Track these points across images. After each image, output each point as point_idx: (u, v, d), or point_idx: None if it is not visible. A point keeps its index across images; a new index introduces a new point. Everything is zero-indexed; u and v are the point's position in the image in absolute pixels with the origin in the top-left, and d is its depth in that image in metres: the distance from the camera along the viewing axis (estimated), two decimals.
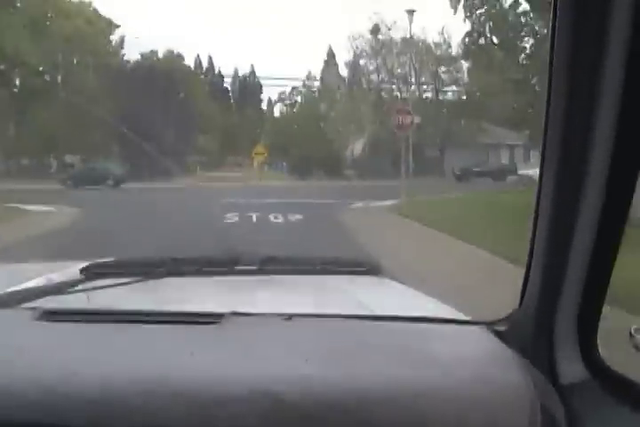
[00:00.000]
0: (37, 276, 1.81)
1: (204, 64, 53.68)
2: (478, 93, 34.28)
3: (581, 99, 1.04)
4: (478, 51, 22.16)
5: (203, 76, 52.29)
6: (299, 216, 16.07)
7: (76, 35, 36.31)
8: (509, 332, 1.35)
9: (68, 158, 38.81)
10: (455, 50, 35.76)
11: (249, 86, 56.91)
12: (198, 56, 50.93)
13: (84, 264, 1.78)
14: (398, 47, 37.90)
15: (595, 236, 1.11)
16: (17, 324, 1.37)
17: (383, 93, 39.49)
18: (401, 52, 37.92)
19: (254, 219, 15.77)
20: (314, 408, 1.06)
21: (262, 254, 1.86)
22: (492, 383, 1.13)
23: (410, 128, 20.99)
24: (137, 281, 1.70)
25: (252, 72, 57.16)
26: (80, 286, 1.66)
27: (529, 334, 1.27)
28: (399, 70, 38.49)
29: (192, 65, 48.37)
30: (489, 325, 1.40)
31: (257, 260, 1.83)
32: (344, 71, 42.48)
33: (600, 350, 1.21)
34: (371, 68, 40.04)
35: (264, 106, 56.35)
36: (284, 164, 40.27)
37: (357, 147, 39.53)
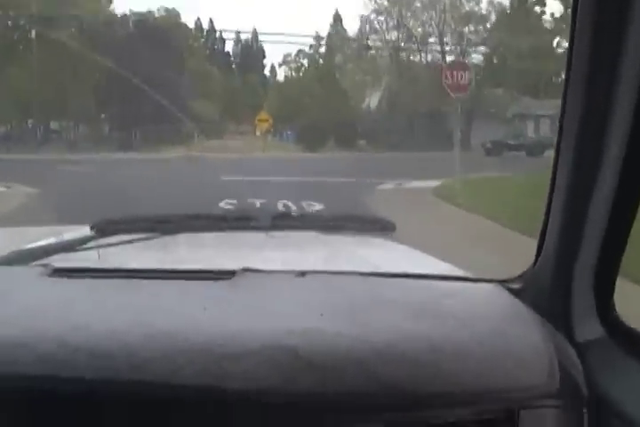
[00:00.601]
0: (49, 236, 1.78)
1: (205, 27, 50.37)
2: (509, 58, 30.47)
3: (601, 76, 1.02)
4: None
5: (203, 40, 49.19)
6: (317, 206, 11.85)
7: None
8: (524, 289, 1.34)
9: (53, 125, 35.09)
10: (485, 7, 32.07)
11: (252, 50, 54.08)
12: (199, 19, 48.67)
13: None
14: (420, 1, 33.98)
15: (614, 192, 1.09)
16: (28, 280, 1.38)
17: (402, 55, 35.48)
18: (422, 8, 34.04)
19: None
20: (329, 361, 1.06)
21: (274, 211, 1.98)
22: (509, 339, 1.14)
23: (468, 88, 16.82)
24: (148, 238, 1.69)
25: (255, 36, 53.84)
26: (91, 243, 1.65)
27: (544, 292, 1.26)
28: (419, 29, 34.61)
29: (192, 28, 45.05)
30: (503, 282, 1.41)
31: (269, 216, 1.77)
32: (355, 30, 38.44)
33: (617, 308, 1.20)
34: (387, 25, 36.16)
35: (267, 71, 53.69)
36: (290, 132, 36.49)
37: (373, 100, 36.07)
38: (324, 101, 34.76)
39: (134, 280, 1.38)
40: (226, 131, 40.31)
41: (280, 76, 51.91)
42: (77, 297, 1.29)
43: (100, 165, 20.29)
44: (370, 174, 17.09)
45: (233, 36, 56.02)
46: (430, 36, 34.40)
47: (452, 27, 33.99)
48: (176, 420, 1.06)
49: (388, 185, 15.86)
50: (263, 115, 29.82)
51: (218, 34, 51.23)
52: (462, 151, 29.53)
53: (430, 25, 33.88)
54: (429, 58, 35.15)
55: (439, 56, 34.82)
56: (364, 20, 36.29)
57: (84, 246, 1.64)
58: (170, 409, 1.06)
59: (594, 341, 1.19)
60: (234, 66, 53.39)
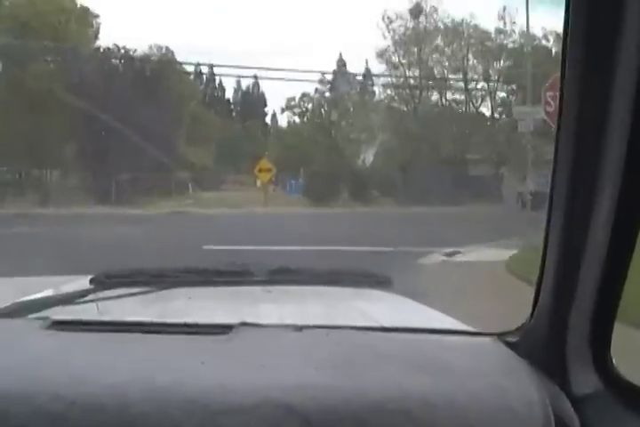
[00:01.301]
0: (48, 287, 1.82)
1: (204, 73, 47.25)
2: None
3: (594, 104, 1.03)
4: None
5: (202, 87, 46.43)
6: None
7: (35, 18, 28.54)
8: (521, 343, 1.34)
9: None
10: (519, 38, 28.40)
11: (252, 97, 51.84)
12: (198, 64, 43.58)
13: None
14: (444, 34, 30.39)
15: (607, 248, 1.11)
16: (26, 333, 1.38)
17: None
18: (448, 41, 30.39)
19: None
20: (325, 418, 1.07)
21: (271, 265, 1.86)
22: (506, 394, 1.14)
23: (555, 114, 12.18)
24: (146, 292, 1.71)
25: (256, 83, 51.53)
26: (89, 297, 1.67)
27: (541, 345, 1.27)
28: (446, 63, 30.85)
29: (189, 71, 41.94)
30: (500, 336, 1.40)
31: (266, 271, 1.83)
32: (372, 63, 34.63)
33: (614, 360, 1.21)
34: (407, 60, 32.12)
35: (269, 120, 50.92)
36: (294, 182, 32.48)
37: (368, 156, 32.95)
38: (332, 148, 31.36)
39: (132, 334, 1.37)
40: (223, 181, 37.17)
41: (283, 122, 48.59)
42: (75, 350, 1.30)
43: (57, 223, 16.26)
44: (399, 238, 12.91)
45: (233, 83, 54.60)
46: (456, 72, 30.72)
47: (476, 62, 30.34)
48: None
49: (434, 257, 11.65)
50: (265, 163, 25.91)
51: (218, 80, 49.59)
52: (493, 204, 25.91)
53: (455, 60, 30.17)
54: (449, 96, 31.54)
55: (458, 96, 31.17)
56: (381, 54, 32.37)
57: (83, 299, 1.66)
58: None
59: (591, 394, 1.20)
60: (234, 113, 51.77)
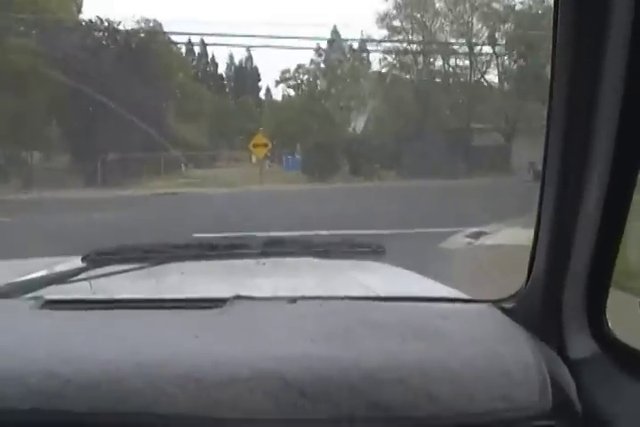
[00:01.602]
0: (41, 268, 1.82)
1: (196, 49, 46.65)
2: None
3: (583, 91, 1.05)
4: None
5: (194, 62, 45.52)
6: None
7: None
8: (517, 309, 1.35)
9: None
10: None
11: (245, 72, 51.39)
12: (189, 41, 42.58)
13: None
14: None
15: (601, 210, 1.12)
16: (19, 313, 1.39)
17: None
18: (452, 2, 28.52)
19: None
20: (320, 389, 1.08)
21: (264, 237, 1.86)
22: (502, 359, 1.15)
23: None
24: (139, 268, 1.71)
25: (249, 57, 51.34)
26: (82, 275, 1.68)
27: (537, 311, 1.28)
28: (450, 27, 29.09)
29: (183, 50, 40.94)
30: (496, 302, 1.42)
31: (259, 243, 1.82)
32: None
33: (609, 324, 1.21)
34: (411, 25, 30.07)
35: (263, 95, 50.09)
36: (291, 157, 31.01)
37: (365, 127, 31.00)
38: (327, 121, 29.64)
39: (125, 311, 1.39)
40: (218, 158, 35.82)
41: (278, 96, 47.61)
42: (68, 329, 1.30)
43: (38, 209, 14.89)
44: (410, 217, 11.52)
45: (226, 58, 53.90)
46: (460, 37, 29.02)
47: (482, 26, 28.58)
48: None
49: (457, 240, 9.76)
50: (259, 138, 24.35)
51: (210, 55, 48.70)
52: (502, 176, 24.45)
53: (460, 23, 28.43)
54: (452, 62, 29.92)
55: (462, 62, 29.50)
56: (381, 19, 30.50)
57: (76, 278, 1.66)
58: None
59: (587, 358, 1.20)
60: (227, 89, 51.07)
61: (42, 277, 1.67)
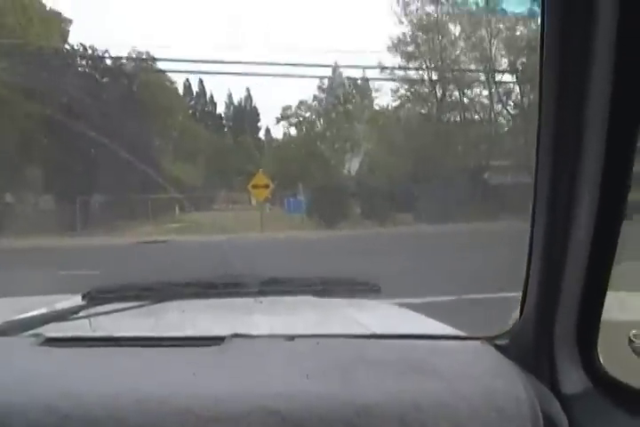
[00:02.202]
0: (41, 306, 1.81)
1: (195, 88, 45.54)
2: None
3: (572, 100, 1.07)
4: None
5: (192, 102, 44.48)
6: None
7: None
8: (510, 345, 1.37)
9: None
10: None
11: (245, 112, 49.57)
12: (187, 80, 41.86)
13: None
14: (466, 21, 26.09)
15: (589, 251, 1.14)
16: (20, 350, 1.40)
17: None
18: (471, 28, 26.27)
19: None
20: (316, 424, 1.09)
21: (262, 276, 1.84)
22: (495, 396, 1.16)
23: None
24: (139, 306, 1.71)
25: (249, 96, 49.70)
26: (82, 313, 1.68)
27: (530, 347, 1.30)
28: (468, 55, 26.75)
29: (181, 90, 39.34)
30: (490, 339, 1.43)
31: (257, 282, 1.81)
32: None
33: (601, 359, 1.22)
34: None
35: (263, 135, 48.60)
36: (292, 199, 28.47)
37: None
38: (335, 161, 27.45)
39: (125, 348, 1.40)
40: (215, 200, 33.48)
41: (278, 135, 47.34)
42: (69, 365, 1.31)
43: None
44: (453, 275, 9.16)
45: (225, 97, 52.40)
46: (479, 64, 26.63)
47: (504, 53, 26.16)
48: None
49: None
50: (260, 178, 21.66)
51: (209, 94, 47.15)
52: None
53: (479, 49, 26.08)
54: (471, 92, 27.65)
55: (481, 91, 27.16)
56: (394, 46, 28.16)
57: (76, 316, 1.66)
58: None
59: (579, 393, 1.22)
60: (226, 129, 49.21)
61: (42, 315, 1.66)
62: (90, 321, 1.64)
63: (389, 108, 29.60)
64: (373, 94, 31.99)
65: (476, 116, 27.32)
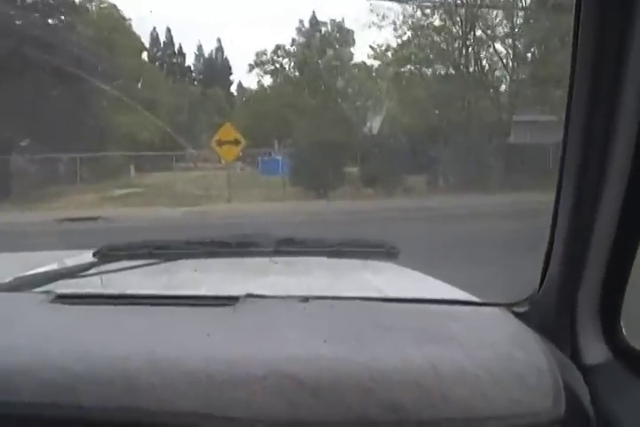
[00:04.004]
0: (52, 262, 1.82)
1: (162, 38, 43.99)
2: None
3: (604, 92, 1.06)
4: None
5: (159, 53, 43.13)
6: None
7: None
8: (530, 313, 1.35)
9: None
10: None
11: (216, 64, 47.76)
12: (155, 29, 40.67)
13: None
14: None
15: (618, 214, 1.12)
16: (31, 307, 1.39)
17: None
18: None
19: None
20: (333, 388, 1.08)
21: (277, 236, 1.80)
22: (516, 364, 1.14)
23: None
24: (151, 264, 1.71)
25: (220, 48, 47.44)
26: (93, 270, 1.67)
27: (550, 315, 1.28)
28: None
29: (147, 41, 37.95)
30: (508, 306, 1.41)
31: (272, 241, 1.77)
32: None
33: (624, 330, 1.20)
34: None
35: (235, 90, 46.08)
36: (267, 158, 23.99)
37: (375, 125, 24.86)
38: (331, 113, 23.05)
39: (136, 307, 1.39)
40: (180, 159, 28.70)
41: (252, 84, 44.47)
42: (79, 324, 1.31)
43: None
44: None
45: (195, 48, 51.00)
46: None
47: None
48: None
49: None
50: (227, 132, 16.57)
51: (177, 46, 44.87)
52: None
53: None
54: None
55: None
56: None
57: (87, 273, 1.66)
58: None
59: (600, 364, 1.20)
60: (196, 82, 46.79)
61: (52, 272, 1.66)
62: (101, 278, 1.64)
63: (382, 50, 24.77)
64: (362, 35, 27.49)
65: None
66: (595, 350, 1.21)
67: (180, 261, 1.74)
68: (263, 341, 1.20)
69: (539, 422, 1.08)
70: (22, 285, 1.55)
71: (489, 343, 1.20)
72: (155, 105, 28.64)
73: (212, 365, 1.11)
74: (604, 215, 1.12)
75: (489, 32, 22.41)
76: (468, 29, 22.38)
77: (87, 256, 1.73)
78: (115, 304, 1.39)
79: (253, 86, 39.60)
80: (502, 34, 22.34)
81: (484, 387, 1.09)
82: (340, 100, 26.06)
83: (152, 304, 1.39)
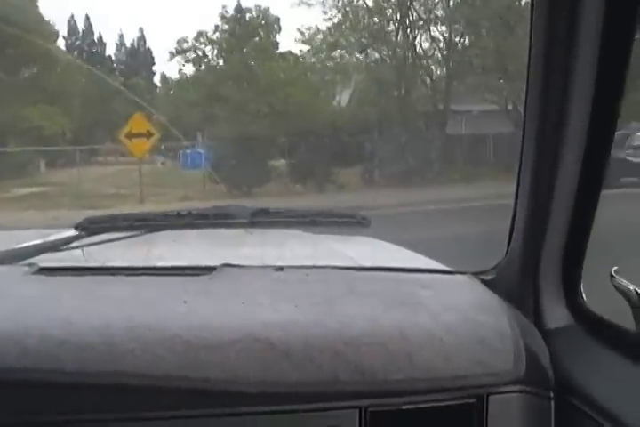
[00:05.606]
0: (37, 238, 1.85)
1: (80, 26, 41.23)
2: None
3: (557, 82, 1.14)
4: None
5: (78, 42, 40.50)
6: None
7: None
8: (496, 280, 1.44)
9: None
10: None
11: (138, 54, 44.78)
12: (72, 17, 38.09)
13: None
14: None
15: (577, 184, 1.18)
16: (14, 279, 1.45)
17: None
18: None
19: None
20: (304, 351, 1.13)
21: (253, 207, 1.84)
22: (480, 327, 1.20)
23: None
24: (130, 236, 1.74)
25: (142, 37, 44.11)
26: (75, 243, 1.72)
27: (515, 282, 1.35)
28: None
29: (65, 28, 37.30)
30: (476, 274, 1.51)
31: (247, 212, 1.80)
32: None
33: (584, 296, 1.28)
34: None
35: (159, 81, 43.70)
36: (190, 151, 21.75)
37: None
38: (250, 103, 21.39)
39: (117, 277, 1.45)
40: (97, 153, 27.53)
41: (174, 74, 42.11)
42: (61, 294, 1.35)
43: None
44: None
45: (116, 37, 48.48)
46: None
47: None
48: (157, 408, 1.11)
49: None
50: (138, 123, 14.51)
51: (97, 35, 42.38)
52: None
53: None
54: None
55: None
56: None
57: (69, 246, 1.70)
58: (151, 398, 1.11)
59: (562, 328, 1.27)
60: (117, 73, 43.28)
61: (35, 245, 1.70)
62: (82, 251, 1.70)
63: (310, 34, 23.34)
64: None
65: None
66: (556, 315, 1.28)
67: (159, 233, 1.77)
68: (237, 307, 1.24)
69: (499, 381, 1.15)
70: (5, 258, 1.57)
71: (455, 309, 1.26)
72: (69, 96, 27.33)
73: (189, 330, 1.14)
74: (562, 185, 1.19)
75: (426, 15, 21.13)
76: (403, 11, 20.98)
77: (71, 231, 1.74)
78: (94, 275, 1.46)
79: (177, 76, 36.09)
80: (440, 17, 21.13)
81: (448, 349, 1.15)
82: (265, 90, 24.55)
83: (131, 275, 1.44)
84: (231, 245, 2.02)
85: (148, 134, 14.62)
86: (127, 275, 1.44)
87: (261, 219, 1.78)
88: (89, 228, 1.71)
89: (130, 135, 14.70)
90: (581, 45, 1.07)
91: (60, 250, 1.66)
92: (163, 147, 22.53)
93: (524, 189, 1.25)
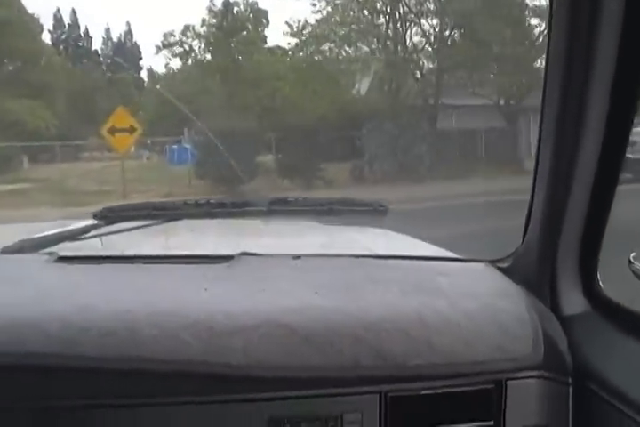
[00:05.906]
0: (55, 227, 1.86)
1: (66, 20, 41.51)
2: None
3: (576, 75, 1.14)
4: None
5: (64, 36, 40.94)
6: None
7: None
8: (513, 267, 1.44)
9: None
10: None
11: (125, 49, 46.26)
12: (58, 10, 39.13)
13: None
14: None
15: (595, 172, 1.18)
16: (35, 267, 1.46)
17: None
18: None
19: None
20: (324, 336, 1.14)
21: (271, 196, 1.84)
22: (498, 314, 1.22)
23: None
24: (149, 225, 1.75)
25: (129, 32, 45.55)
26: (93, 232, 1.73)
27: (532, 269, 1.36)
28: None
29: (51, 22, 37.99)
30: (493, 262, 1.50)
31: (265, 201, 1.81)
32: None
33: (601, 282, 1.29)
34: None
35: (146, 76, 44.54)
36: (177, 146, 21.36)
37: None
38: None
39: (135, 265, 1.45)
40: (83, 148, 26.64)
41: (161, 67, 43.37)
42: (82, 281, 1.36)
43: None
44: None
45: (102, 32, 49.36)
46: None
47: None
48: (178, 394, 1.11)
49: None
50: (121, 118, 14.36)
51: (83, 28, 42.51)
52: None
53: None
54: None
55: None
56: None
57: (88, 235, 1.72)
58: (172, 383, 1.11)
59: (579, 314, 1.28)
60: (104, 67, 44.57)
61: (55, 234, 1.70)
62: (101, 240, 1.72)
63: (299, 27, 23.03)
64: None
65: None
66: (573, 302, 1.29)
67: (177, 222, 1.77)
68: (257, 293, 1.24)
69: (518, 367, 1.16)
70: (26, 247, 1.58)
71: (474, 295, 1.27)
72: (53, 91, 27.19)
73: (210, 316, 1.15)
74: (580, 174, 1.19)
75: (416, 8, 20.84)
76: (393, 4, 20.68)
77: (89, 220, 1.75)
78: (114, 264, 1.45)
79: (163, 71, 37.35)
80: (431, 10, 20.86)
81: (467, 335, 1.16)
82: (253, 84, 24.24)
83: (150, 263, 1.43)
84: (248, 235, 2.05)
85: (131, 129, 14.38)
86: (146, 263, 1.44)
87: (279, 208, 1.77)
88: (107, 217, 1.73)
89: (112, 130, 14.44)
90: (602, 39, 1.07)
91: (79, 239, 1.69)
92: (149, 142, 22.42)
93: (542, 176, 1.26)
